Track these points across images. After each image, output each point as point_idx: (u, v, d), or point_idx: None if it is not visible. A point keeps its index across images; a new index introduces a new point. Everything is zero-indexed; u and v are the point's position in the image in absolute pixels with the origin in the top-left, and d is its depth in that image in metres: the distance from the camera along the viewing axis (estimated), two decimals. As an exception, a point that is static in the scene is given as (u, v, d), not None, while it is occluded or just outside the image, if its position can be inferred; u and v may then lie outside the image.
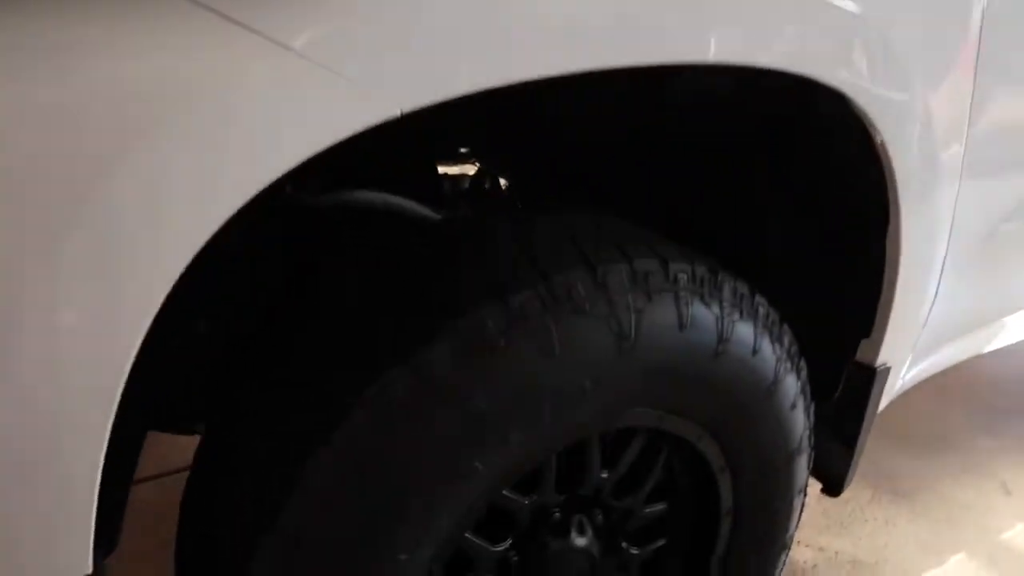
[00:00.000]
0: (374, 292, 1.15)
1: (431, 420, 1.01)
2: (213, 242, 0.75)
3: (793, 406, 1.41)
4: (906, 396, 3.28)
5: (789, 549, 1.58)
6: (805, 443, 1.48)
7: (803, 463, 1.49)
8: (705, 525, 1.49)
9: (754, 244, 1.49)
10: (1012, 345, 3.95)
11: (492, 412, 1.03)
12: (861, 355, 1.59)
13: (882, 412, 3.19)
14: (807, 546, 2.31)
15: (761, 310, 1.32)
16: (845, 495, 2.55)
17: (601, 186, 1.72)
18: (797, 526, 1.58)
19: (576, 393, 1.10)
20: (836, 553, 2.29)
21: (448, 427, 1.02)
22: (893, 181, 1.35)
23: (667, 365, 1.18)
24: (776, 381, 1.35)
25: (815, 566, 2.23)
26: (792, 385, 1.40)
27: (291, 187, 1.37)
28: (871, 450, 2.86)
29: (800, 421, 1.44)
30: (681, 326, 1.18)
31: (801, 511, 1.58)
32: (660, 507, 1.47)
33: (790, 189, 1.51)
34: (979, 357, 3.65)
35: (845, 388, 1.63)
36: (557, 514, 1.33)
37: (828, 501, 2.52)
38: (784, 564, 1.59)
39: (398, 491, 1.01)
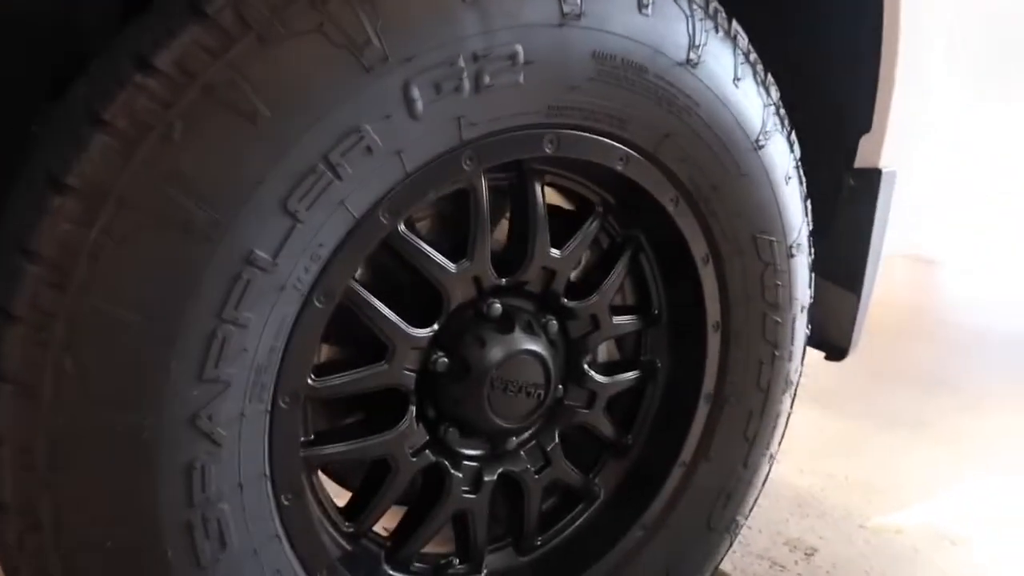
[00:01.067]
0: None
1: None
2: None
3: (788, 179, 1.14)
4: (901, 341, 3.03)
5: (796, 388, 1.27)
6: (805, 240, 1.20)
7: (804, 265, 1.20)
8: (689, 350, 1.19)
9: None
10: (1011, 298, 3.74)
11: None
12: (862, 159, 1.33)
13: (877, 352, 2.93)
14: (811, 472, 1.99)
15: (741, 40, 1.07)
16: (847, 426, 2.26)
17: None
18: (804, 360, 1.28)
19: (503, 62, 0.83)
20: (846, 477, 1.97)
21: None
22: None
23: (624, 56, 0.91)
24: (765, 132, 1.08)
25: (823, 489, 1.91)
26: (784, 150, 1.13)
27: None
28: (872, 388, 2.59)
29: (797, 204, 1.17)
30: (640, 6, 0.92)
31: (805, 349, 1.28)
32: (629, 320, 1.18)
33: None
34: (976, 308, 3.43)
35: (846, 207, 1.36)
36: (497, 305, 1.03)
37: (829, 428, 2.24)
38: (790, 411, 1.28)
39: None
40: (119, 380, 0.71)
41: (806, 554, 1.64)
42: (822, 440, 2.17)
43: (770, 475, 1.93)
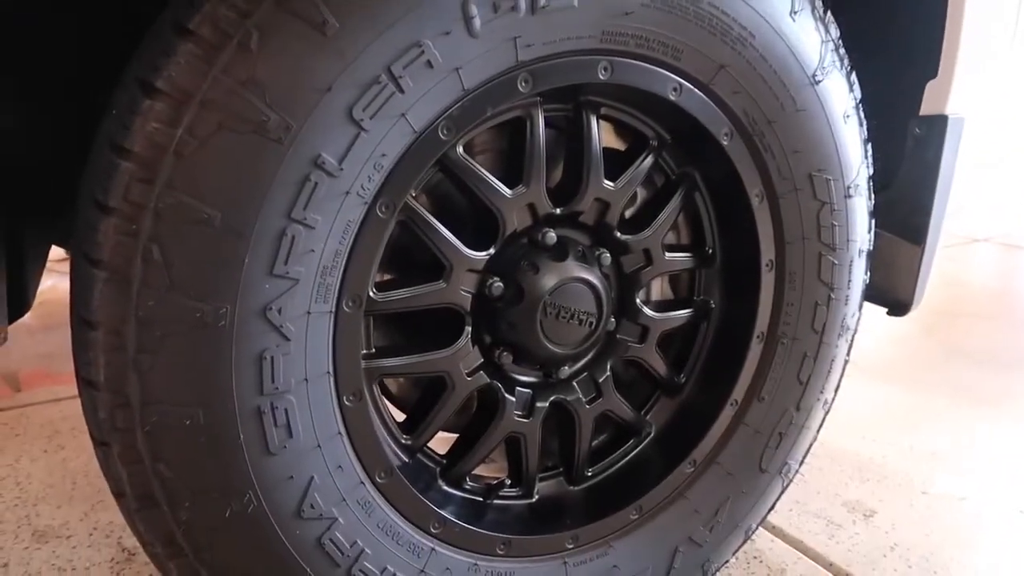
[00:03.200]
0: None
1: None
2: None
3: (847, 118, 1.14)
4: (981, 321, 2.93)
5: (853, 335, 1.27)
6: (864, 183, 1.19)
7: (863, 207, 1.20)
8: (742, 289, 1.20)
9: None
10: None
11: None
12: (928, 107, 1.32)
13: (956, 331, 2.84)
14: (874, 440, 1.96)
15: (799, -25, 1.07)
16: (915, 399, 2.21)
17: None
18: (862, 308, 1.27)
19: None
20: (911, 446, 1.93)
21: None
22: None
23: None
24: (822, 68, 1.09)
25: (885, 456, 1.88)
26: (843, 87, 1.13)
27: None
28: (947, 365, 2.52)
29: (857, 144, 1.16)
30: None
31: (863, 299, 1.27)
32: (683, 257, 1.20)
33: None
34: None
35: (911, 156, 1.34)
36: (551, 234, 1.07)
37: (898, 401, 2.19)
38: (847, 358, 1.28)
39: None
40: (199, 269, 0.78)
41: (864, 515, 1.63)
42: (889, 411, 2.14)
43: (831, 441, 1.93)
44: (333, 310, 0.87)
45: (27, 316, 1.31)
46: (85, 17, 1.04)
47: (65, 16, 1.02)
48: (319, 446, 0.89)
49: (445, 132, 0.89)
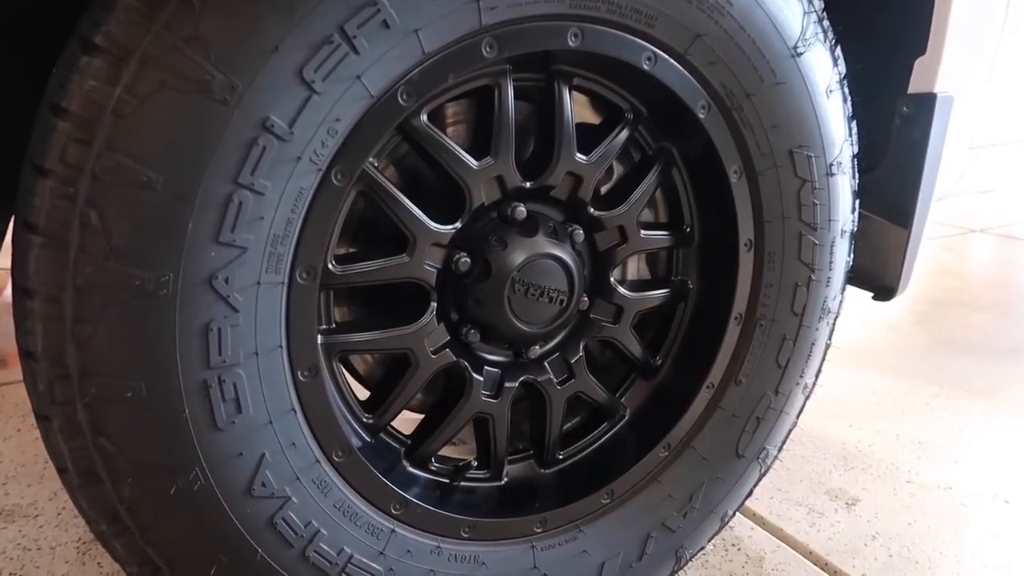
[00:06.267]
0: None
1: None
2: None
3: (830, 92, 1.10)
4: (975, 312, 2.89)
5: (835, 318, 1.23)
6: (848, 160, 1.16)
7: (846, 186, 1.16)
8: (720, 269, 1.17)
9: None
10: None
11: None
12: (916, 85, 1.28)
13: (949, 321, 2.81)
14: (860, 428, 1.93)
15: (780, -59, 1.03)
16: (904, 388, 2.18)
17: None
18: (844, 291, 1.24)
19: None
20: (897, 435, 1.90)
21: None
22: None
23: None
24: (804, 40, 1.05)
25: (871, 445, 1.85)
26: (826, 61, 1.09)
27: None
28: (938, 354, 2.49)
29: (840, 120, 1.13)
30: None
31: (847, 278, 1.24)
32: (659, 236, 1.16)
33: None
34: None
35: (899, 135, 1.31)
36: (521, 208, 1.03)
37: (887, 389, 2.16)
38: (829, 343, 1.24)
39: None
40: (140, 235, 0.75)
41: (847, 504, 1.60)
42: (877, 399, 2.10)
43: (817, 429, 1.90)
44: (285, 281, 0.84)
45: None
46: None
47: None
48: (271, 422, 0.86)
49: (405, 98, 0.85)
